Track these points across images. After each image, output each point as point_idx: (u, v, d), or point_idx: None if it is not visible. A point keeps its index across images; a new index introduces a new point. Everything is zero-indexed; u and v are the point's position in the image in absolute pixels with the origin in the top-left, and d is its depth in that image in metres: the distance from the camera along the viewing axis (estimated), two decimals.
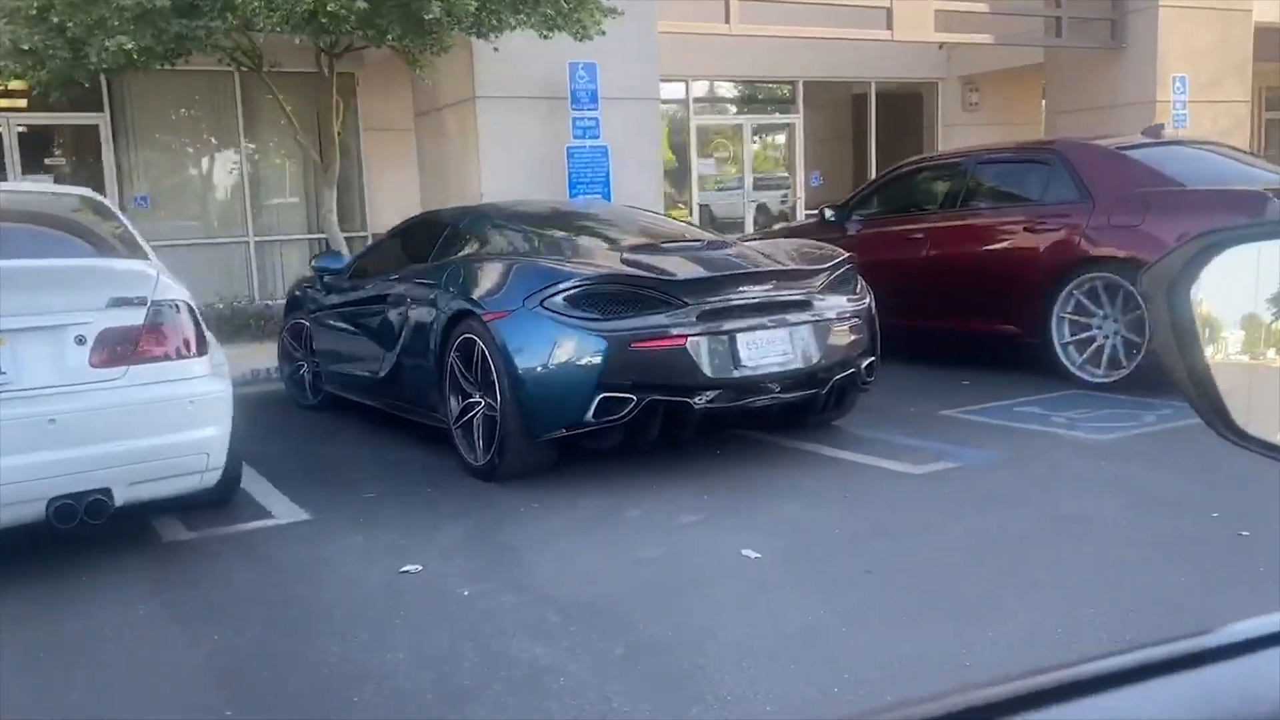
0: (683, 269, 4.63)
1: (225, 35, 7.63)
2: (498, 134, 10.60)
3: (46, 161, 12.42)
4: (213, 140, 12.92)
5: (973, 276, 6.97)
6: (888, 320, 7.56)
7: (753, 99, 17.46)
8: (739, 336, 4.49)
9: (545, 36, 9.11)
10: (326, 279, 6.42)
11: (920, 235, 7.39)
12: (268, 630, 3.06)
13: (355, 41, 8.33)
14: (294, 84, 11.15)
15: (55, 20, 7.27)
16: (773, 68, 15.87)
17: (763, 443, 5.21)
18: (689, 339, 4.39)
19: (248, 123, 12.81)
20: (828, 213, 8.12)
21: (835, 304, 4.89)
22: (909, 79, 17.60)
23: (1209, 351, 0.78)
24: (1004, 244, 6.81)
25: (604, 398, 4.30)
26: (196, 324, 3.83)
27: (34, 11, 7.31)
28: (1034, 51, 15.74)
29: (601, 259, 4.86)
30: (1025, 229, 6.68)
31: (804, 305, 4.74)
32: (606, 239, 5.24)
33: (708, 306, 4.46)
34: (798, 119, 16.98)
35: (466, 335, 4.66)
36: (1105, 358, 6.22)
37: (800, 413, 4.98)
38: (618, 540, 3.73)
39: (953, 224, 7.22)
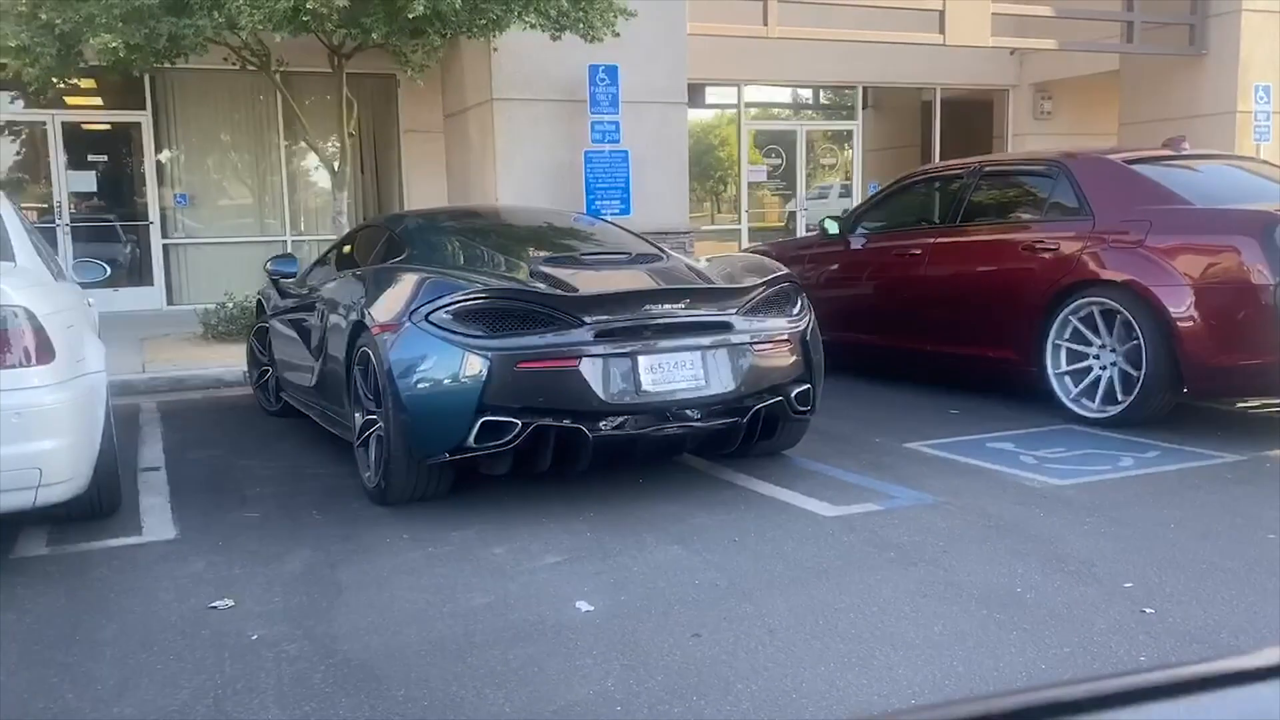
0: (587, 284, 4.29)
1: (215, 34, 7.55)
2: (514, 137, 10.39)
3: (89, 158, 12.66)
4: (253, 140, 13.01)
5: (970, 298, 6.46)
6: (889, 343, 7.15)
7: (810, 105, 16.93)
8: (641, 359, 4.14)
9: (555, 37, 8.86)
10: (280, 283, 6.25)
11: (919, 252, 6.90)
12: (21, 666, 2.82)
13: (352, 41, 8.20)
14: (319, 85, 11.14)
15: (44, 18, 7.27)
16: (832, 73, 15.34)
17: (692, 472, 4.84)
18: (582, 360, 4.05)
19: (287, 123, 12.85)
20: (829, 225, 7.66)
21: (762, 326, 4.48)
22: (978, 85, 16.86)
23: None
24: (1002, 263, 6.28)
25: (486, 421, 3.99)
26: (38, 331, 3.63)
27: (24, 8, 7.33)
28: (1111, 58, 14.90)
29: (510, 272, 4.55)
30: (1023, 248, 6.14)
31: (723, 327, 4.35)
32: (528, 250, 4.92)
33: (607, 325, 4.11)
34: (857, 126, 16.42)
35: (364, 348, 4.41)
36: (1101, 391, 5.67)
37: (746, 441, 4.58)
38: (457, 583, 3.41)
39: (951, 240, 6.71)
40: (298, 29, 7.21)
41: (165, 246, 12.66)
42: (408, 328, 4.09)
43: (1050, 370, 5.89)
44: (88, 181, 12.61)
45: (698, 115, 16.15)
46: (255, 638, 2.97)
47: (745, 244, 14.49)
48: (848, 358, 7.74)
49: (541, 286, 4.27)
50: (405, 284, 4.31)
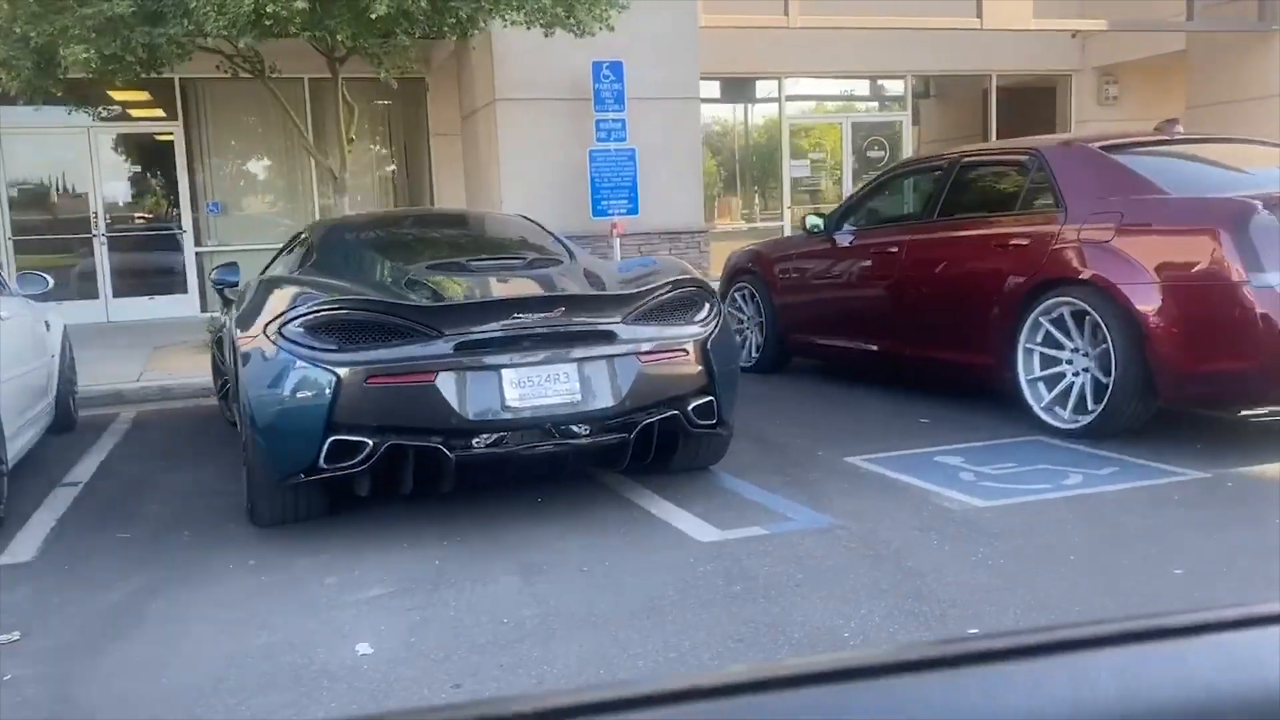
0: (454, 293, 4.04)
1: (188, 41, 7.52)
2: (518, 137, 10.18)
3: (126, 167, 12.92)
4: (281, 147, 13.10)
5: (945, 298, 6.01)
6: (870, 346, 6.71)
7: (856, 96, 16.34)
8: (506, 373, 3.86)
9: (548, 34, 8.63)
10: (225, 292, 6.14)
11: (895, 250, 6.45)
12: None
13: (343, 45, 8.09)
14: (331, 91, 11.10)
15: (19, 31, 7.33)
16: (879, 63, 14.76)
17: (598, 489, 4.54)
18: (439, 374, 3.79)
19: (316, 133, 12.90)
20: (811, 222, 7.26)
21: (655, 334, 4.16)
22: (1038, 71, 16.07)
23: None
24: (975, 261, 5.81)
25: (336, 441, 3.76)
26: None
27: (1, 23, 7.40)
28: (1179, 38, 14.01)
29: (392, 280, 4.32)
30: (996, 244, 5.67)
31: (605, 336, 4.05)
32: (421, 258, 4.66)
33: (470, 337, 3.85)
34: (905, 116, 15.79)
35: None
36: (1073, 399, 5.17)
37: (640, 458, 4.28)
38: (257, 619, 3.19)
39: (927, 237, 6.25)
40: (262, 33, 7.12)
41: (198, 254, 12.83)
42: (261, 341, 3.89)
43: (1022, 376, 5.41)
44: (123, 192, 12.88)
45: (736, 111, 15.77)
46: (8, 678, 2.80)
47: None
48: (835, 361, 7.35)
49: (413, 297, 4.03)
50: (270, 295, 4.11)
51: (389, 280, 4.31)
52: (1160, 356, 4.73)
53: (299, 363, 3.77)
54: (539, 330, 3.93)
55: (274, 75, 9.06)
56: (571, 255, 4.73)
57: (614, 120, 10.00)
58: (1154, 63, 14.82)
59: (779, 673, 0.52)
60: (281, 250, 6.04)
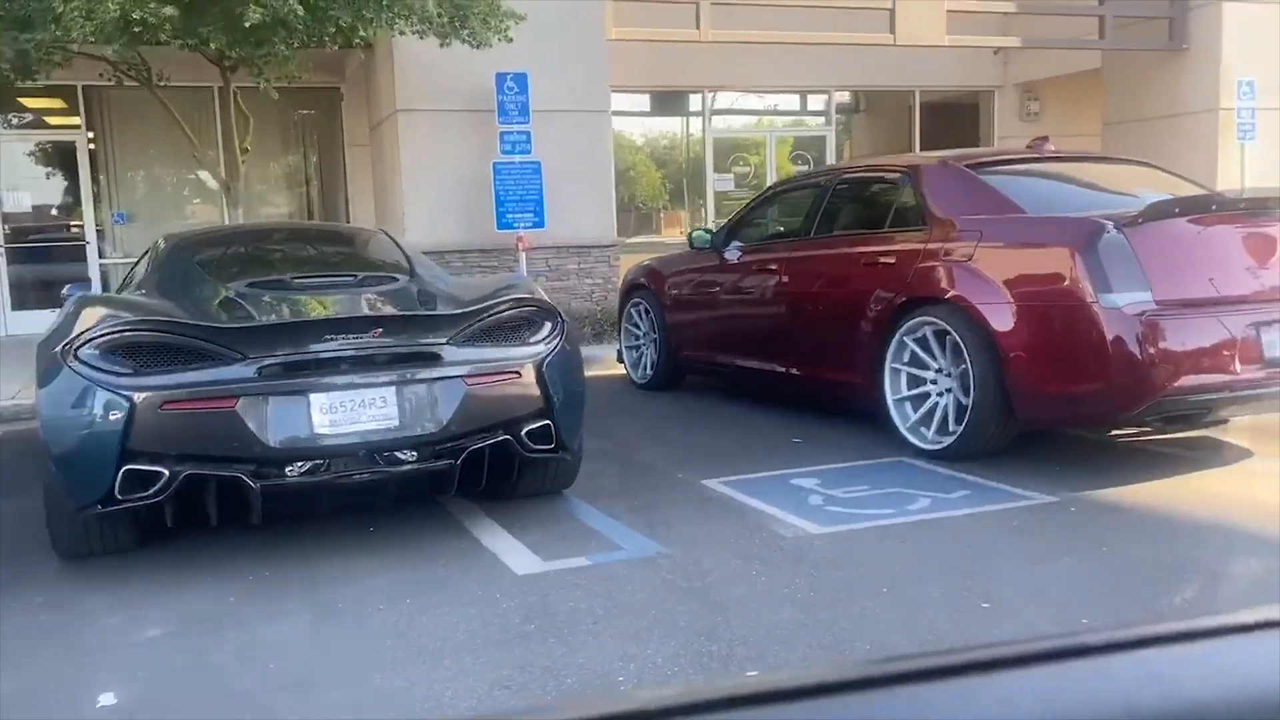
0: (265, 313, 3.85)
1: (56, 47, 7.26)
2: (421, 150, 9.98)
3: (28, 176, 12.53)
4: (193, 157, 12.77)
5: (820, 316, 5.92)
6: (753, 364, 6.60)
7: (780, 111, 16.35)
8: (314, 397, 3.68)
9: (445, 44, 8.47)
10: None
11: (775, 267, 6.36)
12: None
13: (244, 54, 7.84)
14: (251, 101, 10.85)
15: None
16: (803, 78, 14.75)
17: (435, 516, 4.35)
18: (241, 399, 3.60)
19: (226, 139, 12.60)
20: (696, 237, 7.15)
21: (484, 356, 4.01)
22: (960, 87, 16.18)
23: None
24: (847, 279, 5.72)
25: (130, 470, 3.55)
26: None
27: None
28: (1095, 57, 14.14)
29: (210, 299, 4.12)
30: (865, 262, 5.59)
31: (427, 358, 3.88)
32: (247, 275, 4.45)
33: (277, 360, 3.67)
34: (830, 131, 15.81)
35: None
36: (936, 420, 5.09)
37: (471, 484, 4.11)
38: (16, 664, 2.98)
39: (803, 254, 6.17)
40: (132, 40, 6.88)
41: (103, 266, 12.47)
42: (58, 364, 3.68)
43: (889, 396, 5.32)
44: (25, 201, 12.49)
45: (661, 124, 15.71)
46: None
47: None
48: (725, 379, 7.23)
49: (223, 317, 3.84)
50: (80, 314, 3.89)
51: (206, 299, 4.11)
52: (1015, 377, 4.67)
53: (92, 387, 3.56)
54: (353, 352, 3.76)
55: (164, 84, 8.81)
56: (412, 273, 4.55)
57: (519, 132, 9.83)
58: (1073, 80, 14.96)
59: (705, 695, 0.52)
60: (135, 265, 5.80)
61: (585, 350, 9.32)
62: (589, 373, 8.79)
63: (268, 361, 3.64)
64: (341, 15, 7.09)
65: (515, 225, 9.88)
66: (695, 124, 15.18)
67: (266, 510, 3.74)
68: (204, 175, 12.72)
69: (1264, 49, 12.69)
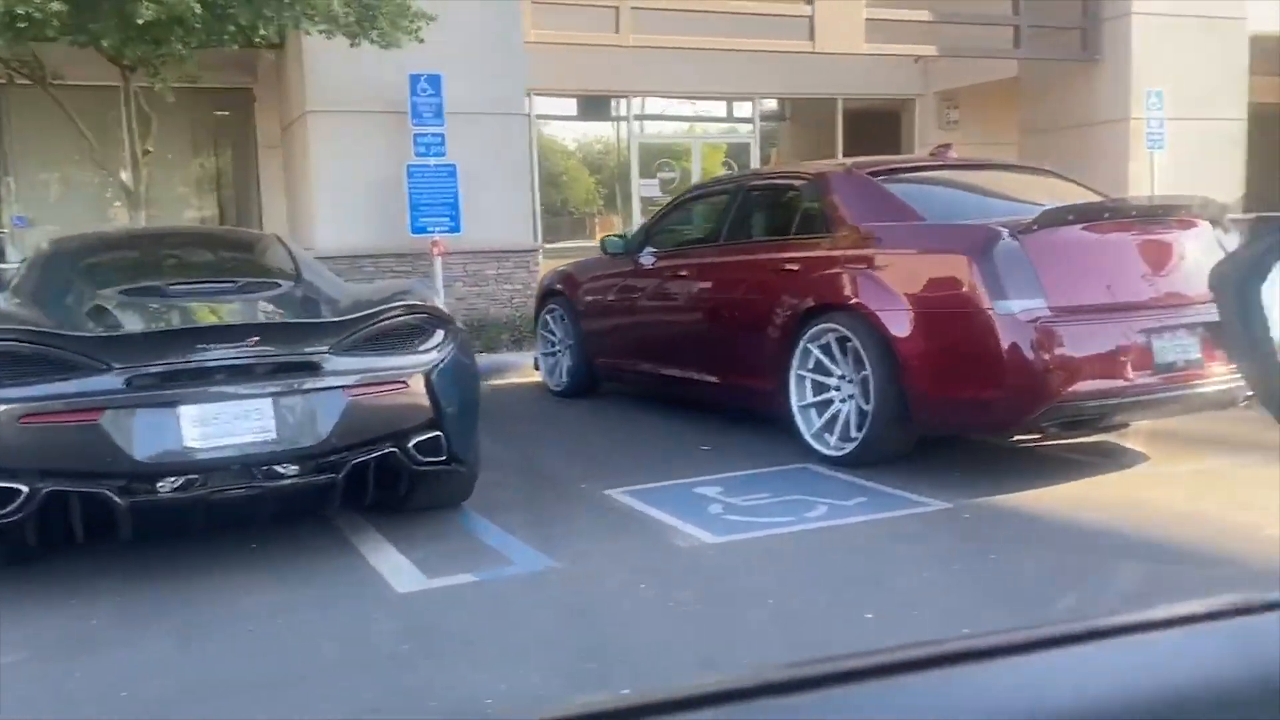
0: (134, 321, 3.69)
1: None
2: (333, 152, 9.77)
3: None
4: (98, 159, 12.37)
5: (731, 323, 5.89)
6: (666, 370, 6.55)
7: (706, 117, 16.37)
8: (185, 410, 3.52)
9: (354, 44, 8.28)
10: None
11: (686, 273, 6.32)
12: None
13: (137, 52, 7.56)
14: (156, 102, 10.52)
15: None
16: (728, 84, 14.77)
17: (324, 532, 4.21)
18: (105, 412, 3.43)
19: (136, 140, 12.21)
20: (609, 242, 7.08)
21: (368, 365, 3.87)
22: (883, 95, 16.36)
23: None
24: (756, 285, 5.69)
25: None
26: None
27: None
28: (1012, 66, 14.39)
29: (80, 306, 3.93)
30: (773, 269, 5.56)
31: (306, 368, 3.74)
32: (121, 278, 4.26)
33: (144, 371, 3.50)
34: (754, 138, 15.88)
35: None
36: (839, 426, 5.07)
37: (356, 498, 3.98)
38: None
39: (714, 260, 6.13)
40: (16, 36, 6.60)
41: (2, 270, 11.99)
42: None
43: (794, 403, 5.29)
44: None
45: (596, 129, 15.61)
46: None
47: None
48: (641, 386, 7.16)
49: (91, 326, 3.66)
50: None
51: (76, 306, 3.92)
52: (914, 384, 4.66)
53: None
54: (228, 362, 3.61)
55: (58, 83, 8.49)
56: (298, 279, 4.40)
57: (433, 135, 9.67)
58: (991, 88, 15.21)
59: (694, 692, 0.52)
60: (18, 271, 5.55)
61: (504, 357, 9.28)
62: (507, 380, 8.77)
63: (135, 372, 3.47)
64: (241, 14, 6.89)
65: (430, 229, 9.71)
66: (623, 129, 15.13)
67: (142, 527, 3.58)
68: (110, 178, 12.31)
69: (1173, 60, 13.02)
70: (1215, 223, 5.00)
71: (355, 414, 3.79)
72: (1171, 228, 4.95)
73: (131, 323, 3.70)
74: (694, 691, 0.51)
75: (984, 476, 4.74)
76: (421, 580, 3.58)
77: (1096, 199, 5.44)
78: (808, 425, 5.24)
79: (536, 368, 8.05)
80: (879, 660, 0.55)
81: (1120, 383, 4.47)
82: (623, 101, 14.85)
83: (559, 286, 7.75)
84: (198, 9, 6.64)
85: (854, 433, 4.95)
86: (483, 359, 9.26)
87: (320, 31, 7.77)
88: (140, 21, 6.48)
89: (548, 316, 7.83)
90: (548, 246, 12.83)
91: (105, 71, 8.67)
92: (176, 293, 4.07)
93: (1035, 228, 4.48)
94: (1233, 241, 5.05)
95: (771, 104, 16.42)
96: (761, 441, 5.62)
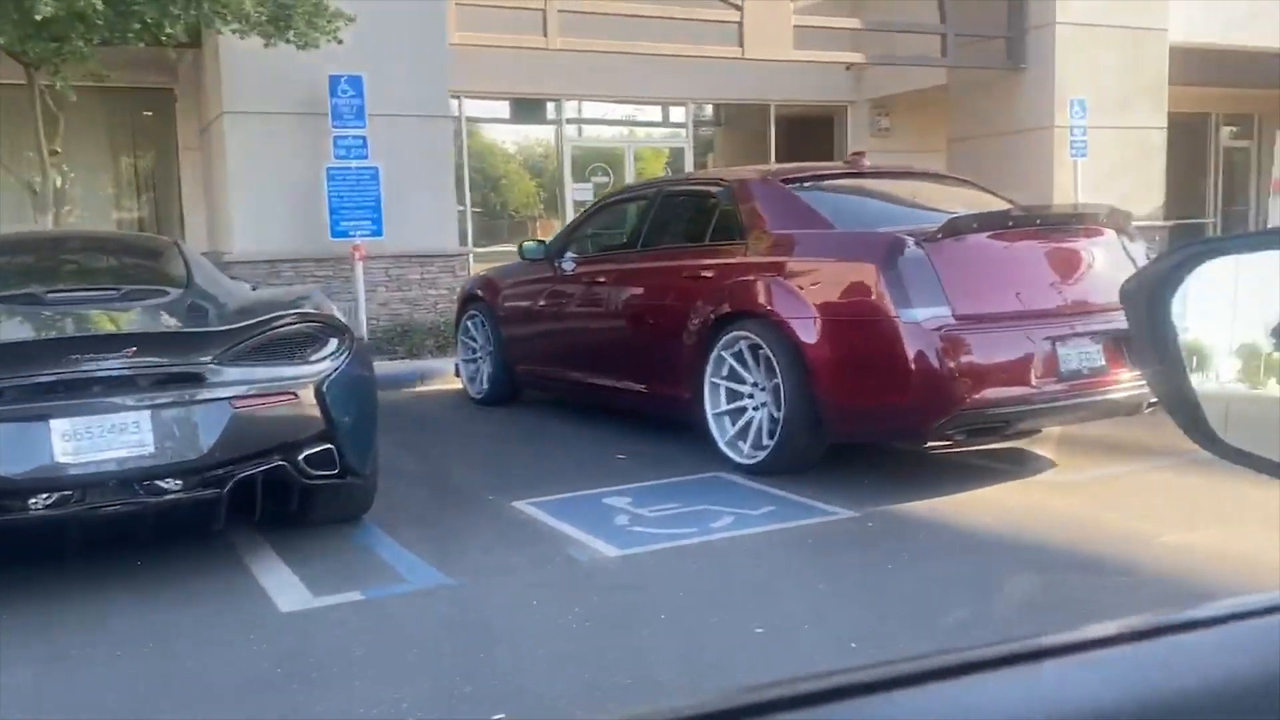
0: (2, 330, 3.51)
1: None
2: (250, 153, 9.54)
3: None
4: (5, 160, 11.96)
5: (647, 330, 5.83)
6: (582, 378, 6.46)
7: (640, 122, 16.32)
8: (55, 423, 3.36)
9: (269, 45, 8.09)
10: None
11: (604, 279, 6.24)
12: None
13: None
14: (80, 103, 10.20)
15: None
16: (662, 90, 14.72)
17: (213, 548, 4.05)
18: None
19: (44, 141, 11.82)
20: (528, 248, 6.98)
21: (255, 376, 3.74)
22: (815, 102, 16.44)
23: (1190, 362, 0.82)
24: (671, 292, 5.64)
25: None
26: None
27: None
28: (941, 74, 14.54)
29: None
30: (687, 276, 5.51)
31: (187, 379, 3.60)
32: (1, 285, 4.08)
33: (11, 382, 3.34)
34: (687, 144, 15.87)
35: None
36: (752, 434, 5.03)
37: (245, 512, 3.84)
38: None
39: (631, 267, 6.07)
40: None
41: None
42: None
43: (709, 411, 5.24)
44: None
45: (536, 132, 15.46)
46: None
47: None
48: (562, 394, 7.07)
49: None
50: None
51: None
52: (823, 392, 4.64)
53: None
54: (103, 373, 3.45)
55: None
56: (188, 286, 4.25)
57: (354, 137, 9.49)
58: (921, 96, 15.36)
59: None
60: None
61: (427, 363, 9.12)
62: (430, 387, 8.62)
63: (2, 384, 3.31)
64: (146, 10, 6.68)
65: (351, 233, 9.52)
66: (555, 133, 15.02)
67: (11, 545, 3.41)
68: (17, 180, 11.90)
69: (1095, 69, 13.25)
70: (1121, 231, 5.06)
71: (240, 426, 3.65)
72: (1078, 236, 4.99)
73: (2, 332, 3.52)
74: (671, 715, 0.50)
75: (893, 484, 4.73)
76: (307, 598, 3.46)
77: (1004, 207, 5.48)
78: (722, 433, 5.19)
79: (458, 374, 7.92)
80: (879, 675, 0.54)
81: (1026, 390, 4.48)
82: (556, 105, 14.76)
83: (479, 292, 7.63)
84: (99, 5, 6.42)
85: (766, 440, 4.91)
86: (405, 365, 9.14)
87: (233, 31, 7.58)
88: (39, 18, 6.24)
89: (469, 322, 7.71)
90: (483, 250, 12.70)
91: (11, 70, 8.39)
92: (54, 300, 3.89)
93: (940, 236, 4.48)
94: (1139, 250, 5.11)
95: (706, 109, 16.42)
96: (677, 450, 5.56)
